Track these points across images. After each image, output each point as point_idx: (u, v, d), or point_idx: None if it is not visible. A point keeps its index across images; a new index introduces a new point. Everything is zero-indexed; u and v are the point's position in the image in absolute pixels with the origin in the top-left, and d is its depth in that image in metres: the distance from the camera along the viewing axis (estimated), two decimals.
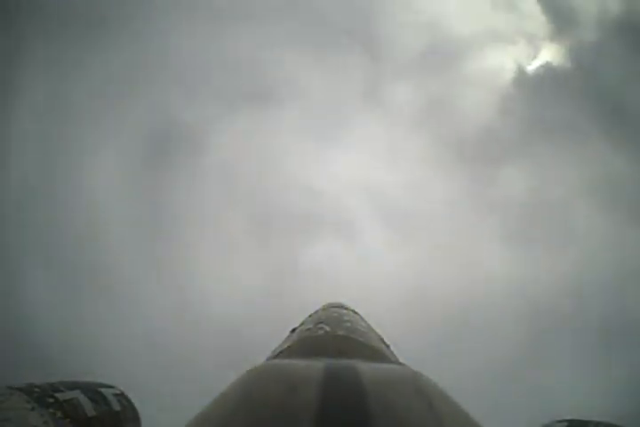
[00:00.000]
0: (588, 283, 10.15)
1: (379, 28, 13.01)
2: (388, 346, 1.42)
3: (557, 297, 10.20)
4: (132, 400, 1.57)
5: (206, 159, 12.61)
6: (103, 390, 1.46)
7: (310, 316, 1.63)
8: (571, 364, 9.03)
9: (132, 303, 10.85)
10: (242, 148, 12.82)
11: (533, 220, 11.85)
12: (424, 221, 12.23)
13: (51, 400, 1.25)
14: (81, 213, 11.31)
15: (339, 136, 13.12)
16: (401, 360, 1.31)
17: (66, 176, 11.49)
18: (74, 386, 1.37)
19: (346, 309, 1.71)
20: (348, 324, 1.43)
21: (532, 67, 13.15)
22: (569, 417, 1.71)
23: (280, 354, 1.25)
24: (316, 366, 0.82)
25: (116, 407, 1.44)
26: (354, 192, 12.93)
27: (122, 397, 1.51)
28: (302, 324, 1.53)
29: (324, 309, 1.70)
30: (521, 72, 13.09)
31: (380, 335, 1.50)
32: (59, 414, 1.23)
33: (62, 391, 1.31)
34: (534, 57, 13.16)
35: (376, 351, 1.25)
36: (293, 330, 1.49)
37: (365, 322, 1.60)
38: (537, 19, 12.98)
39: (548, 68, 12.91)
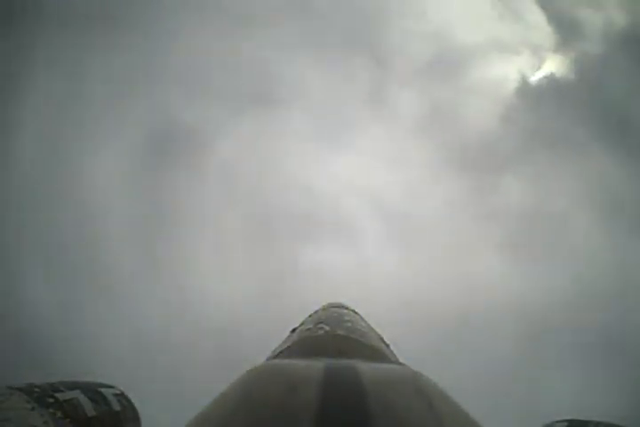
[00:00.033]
0: (586, 293, 10.12)
1: (386, 35, 13.09)
2: (388, 346, 1.42)
3: (554, 306, 10.17)
4: (132, 400, 1.57)
5: (208, 159, 12.64)
6: (103, 390, 1.46)
7: (310, 316, 1.63)
8: (567, 373, 8.99)
9: (132, 303, 10.85)
10: (244, 148, 12.87)
11: (532, 229, 11.89)
12: (423, 226, 12.28)
13: (51, 400, 1.25)
14: (81, 212, 11.32)
15: (341, 139, 13.19)
16: (401, 360, 1.31)
17: (66, 175, 11.50)
18: (74, 386, 1.37)
19: (346, 309, 1.71)
20: (349, 324, 1.43)
21: (535, 77, 13.20)
22: (569, 417, 1.71)
23: (280, 354, 1.25)
24: (316, 366, 0.82)
25: (116, 407, 1.44)
26: (354, 195, 12.98)
27: (122, 397, 1.51)
28: (302, 324, 1.53)
29: (324, 309, 1.70)
30: (524, 82, 13.16)
31: (380, 335, 1.50)
32: (59, 414, 1.23)
33: (62, 391, 1.31)
34: (538, 68, 13.22)
35: (376, 351, 1.25)
36: (293, 330, 1.49)
37: (365, 322, 1.60)
38: (542, 29, 13.04)
39: (551, 80, 12.96)
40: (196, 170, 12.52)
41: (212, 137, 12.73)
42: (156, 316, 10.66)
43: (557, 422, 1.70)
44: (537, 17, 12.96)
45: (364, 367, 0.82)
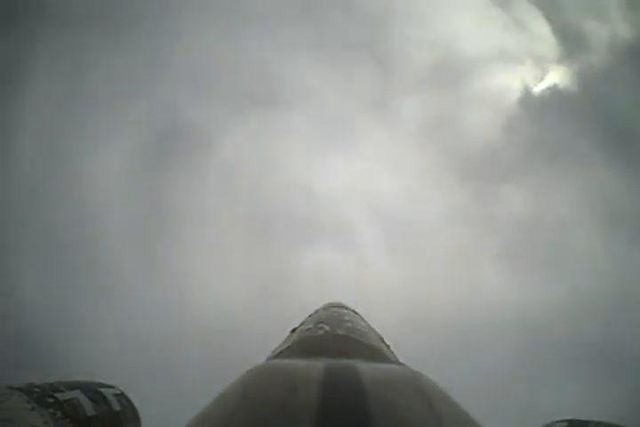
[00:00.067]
0: (584, 304, 10.10)
1: (391, 41, 13.16)
2: (388, 346, 1.42)
3: (552, 317, 10.14)
4: (132, 400, 1.57)
5: (210, 159, 12.68)
6: (103, 390, 1.46)
7: (310, 316, 1.63)
8: (562, 384, 8.96)
9: (132, 303, 10.85)
10: (246, 149, 12.91)
11: (532, 239, 11.90)
12: (422, 232, 12.31)
13: (51, 400, 1.25)
14: (81, 212, 11.33)
15: (343, 143, 13.28)
16: (401, 360, 1.31)
17: (66, 174, 11.51)
18: (74, 386, 1.37)
19: (346, 308, 1.71)
20: (349, 324, 1.43)
21: (538, 88, 13.24)
22: (569, 417, 1.71)
23: (280, 354, 1.25)
24: (316, 365, 0.82)
25: (116, 407, 1.44)
26: (354, 199, 13.02)
27: (122, 397, 1.51)
28: (302, 324, 1.53)
29: (325, 308, 1.70)
30: (527, 93, 13.21)
31: (380, 335, 1.50)
32: (59, 414, 1.23)
33: (62, 391, 1.31)
34: (541, 79, 13.25)
35: (376, 351, 1.25)
36: (293, 330, 1.49)
37: (365, 322, 1.60)
38: (546, 40, 13.08)
39: (554, 91, 12.99)
40: (197, 170, 12.56)
41: (214, 137, 12.78)
42: (156, 316, 10.67)
43: (557, 422, 1.70)
44: (541, 28, 13.05)
45: (364, 367, 0.82)
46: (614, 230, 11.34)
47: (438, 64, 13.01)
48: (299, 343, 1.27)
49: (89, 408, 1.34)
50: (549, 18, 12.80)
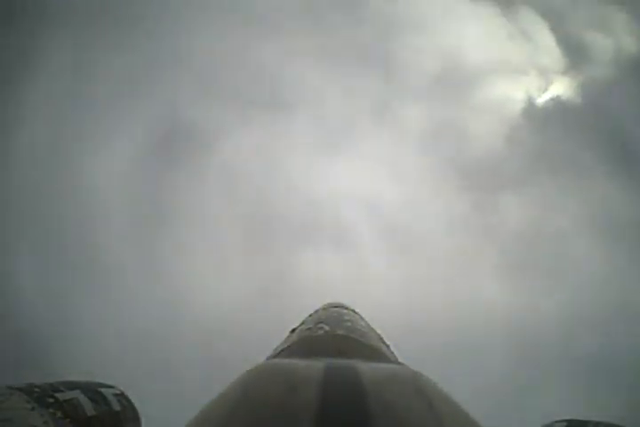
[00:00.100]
0: (581, 317, 10.09)
1: (396, 49, 13.18)
2: (387, 346, 1.42)
3: (550, 327, 10.13)
4: (133, 400, 1.57)
5: (210, 159, 12.71)
6: (103, 390, 1.46)
7: (310, 315, 1.64)
8: (558, 394, 8.93)
9: (132, 303, 10.86)
10: (247, 150, 12.96)
11: (531, 250, 11.90)
12: (421, 240, 12.33)
13: (51, 400, 1.25)
14: (80, 211, 11.34)
15: (345, 148, 13.29)
16: (400, 360, 1.31)
17: (66, 173, 11.53)
18: (74, 386, 1.37)
19: (346, 308, 1.71)
20: (348, 323, 1.43)
21: (541, 99, 13.20)
22: (568, 417, 1.71)
23: (280, 354, 1.25)
24: (316, 365, 0.82)
25: (116, 407, 1.44)
26: (354, 203, 13.05)
27: (122, 397, 1.51)
28: (302, 323, 1.53)
29: (324, 308, 1.70)
30: (530, 103, 13.19)
31: (379, 335, 1.50)
32: (59, 414, 1.23)
33: (62, 391, 1.31)
34: (545, 89, 13.22)
35: (376, 351, 1.25)
36: (293, 330, 1.49)
37: (365, 322, 1.60)
38: (551, 52, 13.05)
39: (557, 102, 12.96)
40: (197, 170, 12.59)
41: (215, 137, 12.82)
42: (156, 315, 10.68)
43: (556, 422, 1.70)
44: (547, 39, 13.03)
45: (364, 367, 0.82)
46: (615, 243, 11.35)
47: (442, 72, 13.08)
48: (299, 343, 1.28)
49: (89, 408, 1.34)
50: (555, 29, 12.83)
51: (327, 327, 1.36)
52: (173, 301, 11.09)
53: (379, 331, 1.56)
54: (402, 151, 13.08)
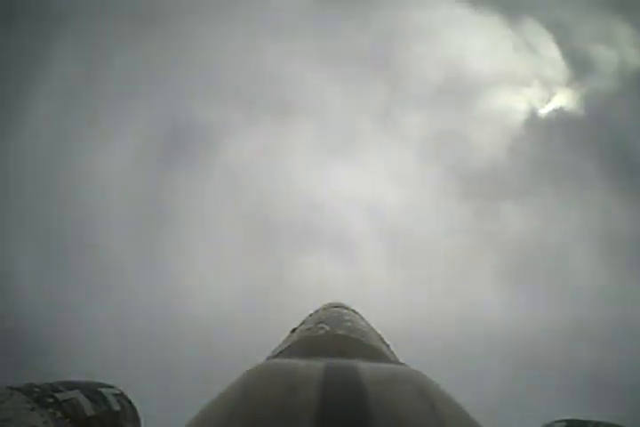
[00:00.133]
0: (580, 329, 10.05)
1: (401, 57, 13.32)
2: (388, 346, 1.42)
3: (548, 339, 10.09)
4: (132, 400, 1.56)
5: (214, 161, 12.77)
6: (103, 390, 1.46)
7: (310, 315, 1.64)
8: (555, 408, 8.87)
9: (132, 302, 10.87)
10: (251, 153, 13.05)
11: (530, 261, 11.91)
12: (421, 247, 12.38)
13: (51, 400, 1.25)
14: (80, 210, 11.35)
15: (348, 154, 13.39)
16: (400, 360, 1.30)
17: (67, 172, 11.55)
18: (73, 386, 1.37)
19: (346, 308, 1.71)
20: (349, 323, 1.43)
21: (544, 110, 13.28)
22: (568, 417, 1.71)
23: (280, 354, 1.25)
24: (316, 365, 0.81)
25: (116, 407, 1.44)
26: (356, 208, 13.16)
27: (122, 397, 1.51)
28: (302, 323, 1.53)
29: (325, 308, 1.70)
30: (533, 114, 13.27)
31: (380, 335, 1.50)
32: (58, 414, 1.23)
33: (62, 391, 1.31)
34: (548, 101, 13.30)
35: (376, 351, 1.24)
36: (293, 330, 1.49)
37: (365, 321, 1.60)
38: (556, 63, 13.14)
39: (560, 113, 13.03)
40: (200, 171, 12.65)
41: (221, 139, 12.91)
42: (156, 315, 10.68)
43: (556, 422, 1.70)
44: (551, 51, 13.12)
45: (365, 367, 0.82)
46: (615, 255, 11.34)
47: (447, 81, 13.18)
48: (299, 343, 1.27)
49: (88, 408, 1.34)
50: (560, 41, 12.93)
51: (327, 327, 1.36)
52: (173, 301, 11.10)
53: (379, 331, 1.55)
54: (404, 157, 13.20)
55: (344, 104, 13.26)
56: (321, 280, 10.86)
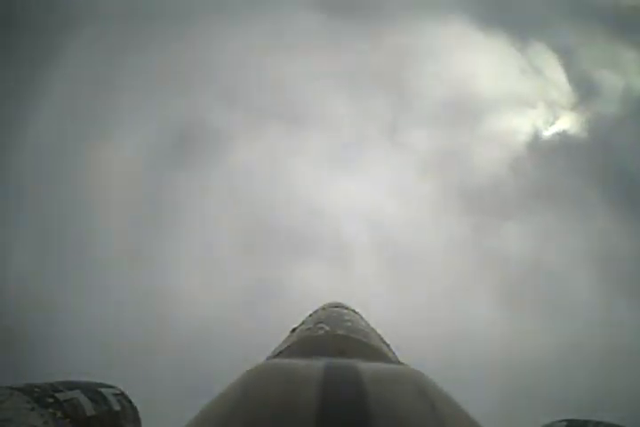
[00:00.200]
0: (575, 352, 9.99)
1: (411, 75, 13.56)
2: (388, 345, 1.42)
3: (540, 361, 10.02)
4: (132, 400, 1.56)
5: (218, 166, 12.87)
6: (103, 390, 1.46)
7: (310, 315, 1.63)
8: None
9: (133, 302, 10.86)
10: (256, 160, 13.16)
11: (528, 281, 11.95)
12: (420, 262, 12.45)
13: (51, 400, 1.25)
14: (79, 209, 11.35)
15: (352, 166, 13.58)
16: (400, 360, 1.30)
17: (68, 170, 11.56)
18: (74, 386, 1.37)
19: (346, 308, 1.71)
20: (349, 323, 1.43)
21: (548, 132, 13.47)
22: (569, 417, 1.71)
23: (280, 354, 1.25)
24: (316, 365, 0.81)
25: (116, 407, 1.44)
26: (356, 220, 13.27)
27: (122, 397, 1.51)
28: (302, 323, 1.53)
29: (324, 308, 1.70)
30: (537, 136, 13.46)
31: (380, 335, 1.49)
32: (59, 414, 1.23)
33: (62, 391, 1.31)
34: (552, 123, 13.49)
35: (376, 351, 1.24)
36: (293, 330, 1.49)
37: (365, 321, 1.59)
38: (561, 87, 13.35)
39: (563, 136, 13.21)
40: (203, 174, 12.72)
41: (227, 144, 13.03)
42: (156, 316, 10.68)
43: (557, 422, 1.70)
44: (557, 74, 13.32)
45: (365, 367, 0.82)
46: (613, 280, 11.36)
47: (453, 100, 13.41)
48: (299, 343, 1.27)
49: (89, 408, 1.33)
50: (566, 65, 13.13)
51: (327, 327, 1.36)
52: (174, 301, 11.10)
53: (379, 331, 1.55)
54: (407, 172, 13.39)
55: (352, 117, 13.54)
56: (315, 290, 10.84)
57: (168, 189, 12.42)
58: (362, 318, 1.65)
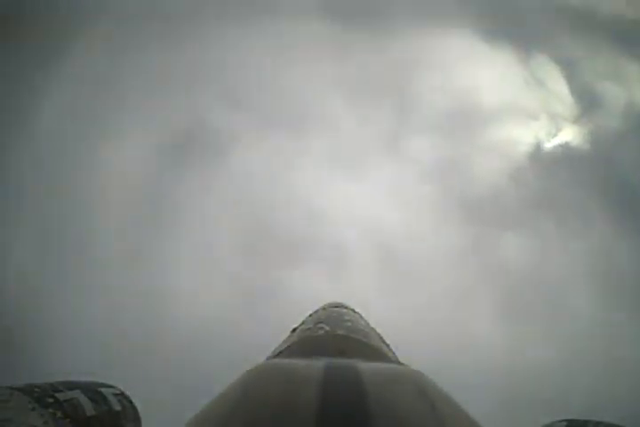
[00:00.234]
0: (573, 365, 9.96)
1: (414, 85, 13.62)
2: (388, 345, 1.42)
3: (537, 374, 9.99)
4: (133, 400, 1.56)
5: (220, 169, 12.89)
6: (103, 389, 1.46)
7: (310, 315, 1.63)
8: None
9: (133, 302, 10.86)
10: (258, 165, 13.18)
11: (527, 293, 11.91)
12: (418, 270, 12.43)
13: (51, 400, 1.25)
14: (79, 209, 11.35)
15: (353, 174, 13.61)
16: (400, 360, 1.30)
17: (70, 170, 11.56)
18: (74, 386, 1.37)
19: (346, 308, 1.70)
20: (349, 323, 1.43)
21: (550, 144, 13.49)
22: (569, 417, 1.70)
23: (280, 354, 1.25)
24: (316, 365, 0.81)
25: (116, 407, 1.44)
26: (356, 227, 13.27)
27: (122, 397, 1.51)
28: (302, 323, 1.53)
29: (324, 308, 1.70)
30: (539, 148, 13.48)
31: (379, 335, 1.49)
32: (59, 414, 1.23)
33: (62, 391, 1.31)
34: (554, 135, 13.51)
35: (376, 351, 1.24)
36: (294, 330, 1.49)
37: (365, 322, 1.59)
38: (564, 99, 13.35)
39: (565, 148, 13.23)
40: (205, 177, 12.73)
41: (230, 147, 13.06)
42: (156, 316, 10.67)
43: (557, 422, 1.70)
44: (560, 86, 13.33)
45: (365, 367, 0.82)
46: (613, 294, 11.32)
47: (456, 110, 13.44)
48: (299, 343, 1.27)
49: (89, 408, 1.33)
50: (569, 77, 13.15)
51: (327, 327, 1.36)
52: (174, 301, 11.09)
53: (379, 331, 1.55)
54: (408, 181, 13.40)
55: (355, 125, 13.61)
56: (315, 290, 10.84)
57: (168, 189, 12.41)
58: (362, 317, 1.65)
